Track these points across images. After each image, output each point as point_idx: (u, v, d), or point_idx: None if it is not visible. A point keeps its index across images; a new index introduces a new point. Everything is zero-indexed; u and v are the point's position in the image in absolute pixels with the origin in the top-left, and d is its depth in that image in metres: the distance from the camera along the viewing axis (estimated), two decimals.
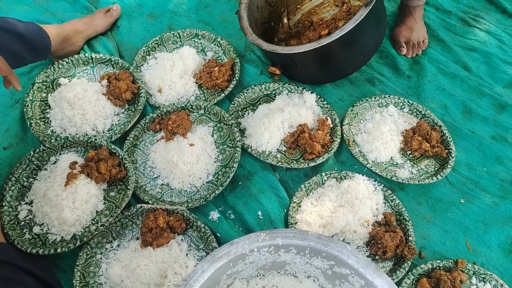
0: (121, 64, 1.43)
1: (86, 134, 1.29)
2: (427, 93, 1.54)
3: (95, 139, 1.24)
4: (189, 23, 1.67)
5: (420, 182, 1.27)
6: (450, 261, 1.14)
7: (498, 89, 1.59)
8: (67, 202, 1.11)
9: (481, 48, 1.70)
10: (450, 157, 1.33)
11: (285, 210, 1.21)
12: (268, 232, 0.93)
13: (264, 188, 1.24)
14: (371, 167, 1.29)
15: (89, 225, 1.11)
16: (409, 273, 1.11)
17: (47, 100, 1.35)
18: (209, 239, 1.11)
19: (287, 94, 1.45)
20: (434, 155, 1.36)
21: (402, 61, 1.65)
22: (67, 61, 1.41)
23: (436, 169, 1.33)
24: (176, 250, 1.09)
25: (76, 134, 1.28)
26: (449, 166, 1.31)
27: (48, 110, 1.34)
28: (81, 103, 1.29)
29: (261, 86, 1.46)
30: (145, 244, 1.09)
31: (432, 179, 1.28)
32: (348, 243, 1.17)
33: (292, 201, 1.21)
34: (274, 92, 1.46)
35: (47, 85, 1.38)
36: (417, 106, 1.46)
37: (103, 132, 1.31)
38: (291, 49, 1.30)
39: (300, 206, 1.22)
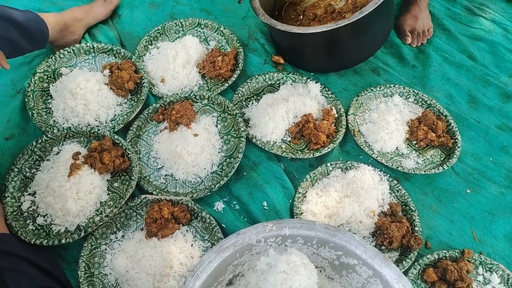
0: (123, 54, 1.41)
1: (89, 125, 1.27)
2: (433, 83, 1.53)
3: (98, 130, 1.23)
4: (191, 12, 1.65)
5: (426, 172, 1.26)
6: (456, 251, 1.13)
7: (503, 78, 1.58)
8: (70, 193, 1.10)
9: (486, 37, 1.69)
10: (456, 147, 1.32)
11: (291, 201, 1.20)
12: (275, 222, 0.92)
13: (269, 178, 1.23)
14: (376, 157, 1.27)
15: (93, 216, 1.10)
16: (416, 263, 1.11)
17: (48, 90, 1.34)
18: (214, 229, 1.10)
19: (291, 84, 1.43)
20: (440, 145, 1.35)
21: (407, 50, 1.63)
22: (68, 50, 1.39)
23: (442, 159, 1.32)
24: (181, 240, 1.08)
25: (79, 124, 1.27)
26: (455, 156, 1.30)
27: (50, 100, 1.32)
28: (83, 93, 1.27)
29: (265, 76, 1.44)
30: (150, 235, 1.08)
31: (438, 169, 1.27)
32: (354, 233, 1.16)
33: (297, 192, 1.20)
34: (278, 82, 1.44)
35: (49, 75, 1.36)
36: (422, 95, 1.44)
37: (106, 123, 1.29)
38: (307, 29, 1.29)
39: (305, 197, 1.21)
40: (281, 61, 1.51)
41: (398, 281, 0.87)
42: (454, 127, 1.37)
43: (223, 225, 1.14)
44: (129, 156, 1.19)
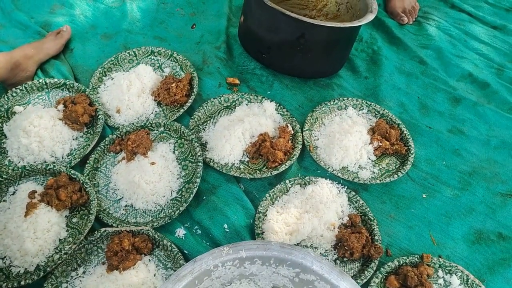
0: (76, 87, 1.42)
1: (45, 161, 1.26)
2: (384, 93, 1.58)
3: (54, 166, 1.22)
4: (144, 41, 1.66)
5: (381, 181, 1.29)
6: (416, 256, 1.16)
7: (452, 83, 1.64)
8: (28, 233, 1.09)
9: (432, 44, 1.76)
10: (410, 154, 1.36)
11: (252, 221, 1.21)
12: (231, 245, 0.93)
13: (229, 200, 1.24)
14: (332, 171, 1.30)
15: (53, 254, 1.09)
16: (377, 272, 1.13)
17: (2, 130, 1.32)
18: (176, 257, 1.10)
19: (246, 105, 1.46)
20: (394, 153, 1.39)
21: (360, 62, 1.68)
22: (20, 88, 1.39)
23: (397, 166, 1.36)
24: (144, 271, 1.08)
25: (34, 162, 1.26)
26: (409, 162, 1.34)
27: (4, 140, 1.31)
28: (36, 130, 1.26)
29: (220, 98, 1.46)
30: (111, 268, 1.08)
31: (393, 177, 1.30)
32: (316, 248, 1.18)
33: (257, 211, 1.22)
34: (234, 103, 1.47)
35: (2, 114, 1.35)
36: (375, 106, 1.48)
37: (63, 158, 1.29)
38: (316, 22, 1.35)
39: (266, 216, 1.22)
40: (236, 81, 1.54)
41: None
42: (407, 134, 1.41)
43: (185, 251, 1.14)
44: (86, 190, 1.18)
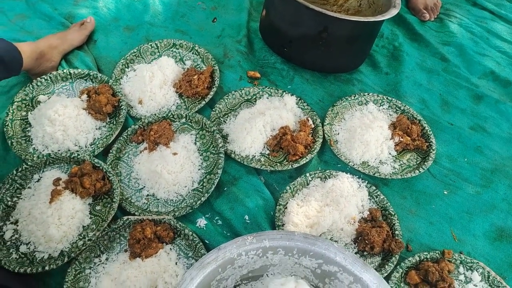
0: (100, 78, 1.43)
1: (69, 150, 1.28)
2: (405, 89, 1.57)
3: (78, 154, 1.23)
4: (166, 33, 1.67)
5: (402, 177, 1.29)
6: (437, 252, 1.15)
7: (474, 80, 1.63)
8: (52, 219, 1.10)
9: (454, 41, 1.75)
10: (431, 150, 1.35)
11: (272, 213, 1.22)
12: (255, 235, 0.94)
13: (249, 192, 1.24)
14: (353, 166, 1.30)
15: (76, 240, 1.11)
16: (398, 266, 1.12)
17: (27, 119, 1.34)
18: (197, 246, 1.11)
19: (267, 98, 1.46)
20: (415, 149, 1.38)
21: (380, 57, 1.68)
22: (45, 78, 1.41)
23: (418, 162, 1.35)
24: (165, 259, 1.09)
25: (59, 150, 1.28)
26: (430, 158, 1.33)
27: (29, 128, 1.33)
28: (61, 119, 1.28)
29: (241, 91, 1.47)
30: (134, 255, 1.09)
31: (414, 172, 1.30)
32: (336, 241, 1.18)
33: (278, 203, 1.22)
34: (254, 97, 1.47)
35: (27, 103, 1.37)
36: (396, 102, 1.48)
37: (86, 147, 1.30)
38: (339, 15, 1.34)
39: (286, 208, 1.22)
40: (257, 75, 1.54)
41: (378, 285, 0.89)
42: (428, 130, 1.40)
43: (206, 241, 1.15)
44: (109, 178, 1.20)
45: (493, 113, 1.53)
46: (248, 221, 1.19)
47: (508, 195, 1.31)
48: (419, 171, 1.30)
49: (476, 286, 1.11)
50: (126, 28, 1.67)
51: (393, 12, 1.40)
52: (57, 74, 1.42)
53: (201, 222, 1.18)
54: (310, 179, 1.29)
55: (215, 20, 1.76)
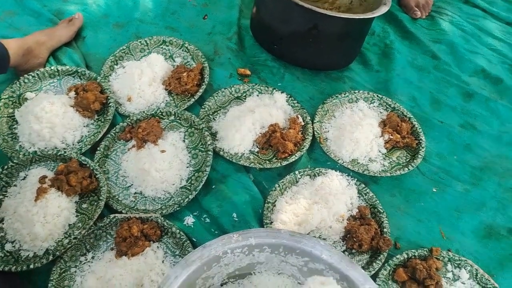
0: (88, 75, 1.42)
1: (56, 148, 1.27)
2: (396, 87, 1.57)
3: (64, 152, 1.22)
4: (156, 30, 1.66)
5: (392, 174, 1.28)
6: (425, 249, 1.15)
7: (464, 78, 1.63)
8: (38, 217, 1.09)
9: (445, 39, 1.74)
10: (421, 147, 1.35)
11: (260, 211, 1.21)
12: (241, 232, 0.93)
13: (238, 190, 1.24)
14: (342, 163, 1.30)
15: (62, 238, 1.10)
16: (386, 264, 1.12)
17: (14, 116, 1.33)
18: (184, 244, 1.10)
19: (257, 95, 1.45)
20: (405, 146, 1.38)
21: (371, 55, 1.67)
22: (32, 75, 1.39)
23: (407, 160, 1.35)
24: (152, 257, 1.08)
25: (45, 148, 1.27)
26: (419, 156, 1.33)
27: (15, 126, 1.32)
28: (48, 116, 1.27)
29: (231, 88, 1.46)
30: (120, 254, 1.08)
31: (403, 170, 1.30)
32: (324, 239, 1.18)
33: (266, 201, 1.21)
34: (244, 94, 1.46)
35: (14, 101, 1.36)
36: (386, 99, 1.48)
37: (73, 144, 1.29)
38: (329, 12, 1.35)
39: (275, 206, 1.22)
40: (247, 72, 1.54)
41: (364, 283, 0.88)
42: (418, 128, 1.40)
43: (193, 239, 1.15)
44: (96, 176, 1.19)
45: (483, 111, 1.53)
46: (236, 219, 1.19)
47: (497, 192, 1.31)
48: (409, 169, 1.30)
49: (464, 283, 1.11)
50: (116, 25, 1.66)
51: (383, 9, 1.39)
52: (45, 71, 1.41)
53: (189, 220, 1.18)
54: (299, 176, 1.28)
55: (206, 17, 1.75)
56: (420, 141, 1.37)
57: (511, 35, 1.84)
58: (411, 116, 1.43)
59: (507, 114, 1.52)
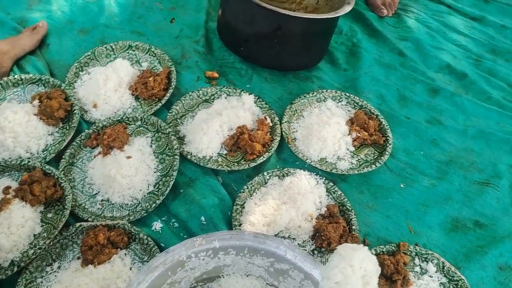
0: (52, 83, 1.40)
1: (20, 157, 1.25)
2: (363, 85, 1.58)
3: (28, 161, 1.21)
4: (122, 35, 1.65)
5: (359, 172, 1.29)
6: (393, 245, 1.16)
7: (430, 74, 1.66)
8: (2, 228, 1.07)
9: (411, 36, 1.77)
10: (388, 144, 1.37)
11: (229, 213, 1.21)
12: (204, 236, 0.93)
13: (206, 193, 1.23)
14: (310, 163, 1.30)
15: (27, 249, 1.08)
16: None
17: None
18: (152, 250, 1.10)
19: (225, 98, 1.45)
20: (373, 143, 1.39)
21: (339, 54, 1.69)
22: None
23: (375, 157, 1.36)
24: (119, 265, 1.07)
25: (10, 158, 1.25)
26: (387, 153, 1.34)
27: None
28: (11, 126, 1.25)
29: (198, 92, 1.46)
30: (86, 262, 1.07)
31: (371, 167, 1.31)
32: (294, 238, 1.18)
33: (235, 203, 1.21)
34: (212, 97, 1.46)
35: None
36: (354, 98, 1.49)
37: (38, 153, 1.27)
38: (291, 13, 1.34)
39: (244, 208, 1.22)
40: (215, 75, 1.54)
41: None
42: (385, 125, 1.42)
43: (162, 244, 1.14)
44: (61, 185, 1.17)
45: (448, 106, 1.55)
46: (205, 222, 1.18)
47: (463, 186, 1.33)
48: (376, 166, 1.31)
49: (432, 277, 1.13)
50: (81, 31, 1.64)
51: (347, 8, 1.41)
52: (8, 80, 1.39)
53: (157, 225, 1.17)
54: (268, 177, 1.28)
55: (173, 20, 1.75)
56: (388, 137, 1.39)
57: (475, 30, 1.88)
58: (379, 114, 1.45)
59: (472, 108, 1.55)
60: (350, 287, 0.76)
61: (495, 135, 1.46)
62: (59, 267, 1.09)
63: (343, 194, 1.26)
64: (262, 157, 1.29)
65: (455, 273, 1.12)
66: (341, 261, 0.78)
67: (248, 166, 1.27)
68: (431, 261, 1.15)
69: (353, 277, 0.77)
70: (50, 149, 1.28)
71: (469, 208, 1.28)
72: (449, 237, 1.22)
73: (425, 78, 1.63)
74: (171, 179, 1.21)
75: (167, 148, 1.29)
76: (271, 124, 1.38)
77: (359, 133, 1.37)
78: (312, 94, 1.49)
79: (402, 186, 1.32)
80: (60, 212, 1.15)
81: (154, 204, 1.17)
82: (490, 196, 1.31)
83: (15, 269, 1.04)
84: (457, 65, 1.69)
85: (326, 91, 1.50)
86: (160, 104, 1.40)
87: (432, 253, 1.15)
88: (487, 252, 1.19)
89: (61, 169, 1.24)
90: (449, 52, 1.74)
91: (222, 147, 1.34)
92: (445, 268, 1.13)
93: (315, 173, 1.29)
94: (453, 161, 1.39)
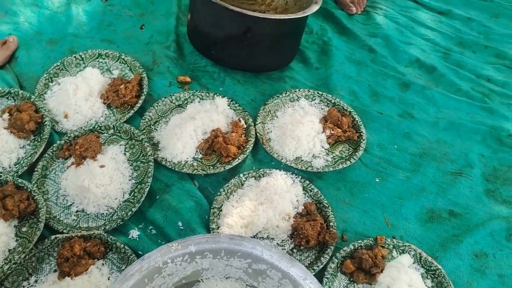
0: (21, 95, 1.38)
1: None
2: (335, 82, 1.60)
3: (0, 176, 1.19)
4: (92, 44, 1.63)
5: (335, 169, 1.30)
6: (370, 239, 1.17)
7: (400, 69, 1.68)
8: None
9: (381, 33, 1.79)
10: (362, 140, 1.38)
11: (207, 217, 1.21)
12: (180, 241, 0.92)
13: (182, 198, 1.23)
14: (285, 162, 1.31)
15: (2, 264, 1.06)
16: (333, 257, 1.14)
17: None
18: (130, 258, 1.09)
19: (199, 102, 1.45)
20: (347, 140, 1.40)
21: (311, 53, 1.70)
22: None
23: (350, 153, 1.38)
24: (97, 275, 1.06)
25: None
26: (361, 148, 1.36)
27: None
28: None
29: (171, 97, 1.45)
30: (63, 275, 1.05)
31: (346, 163, 1.32)
32: (272, 238, 1.18)
33: (212, 207, 1.21)
34: (186, 102, 1.46)
35: None
36: (326, 96, 1.50)
37: (10, 167, 1.25)
38: (264, 15, 1.38)
39: (221, 210, 1.22)
40: (187, 80, 1.53)
41: (305, 279, 0.90)
42: (359, 121, 1.43)
43: (139, 252, 1.13)
44: (34, 198, 1.16)
45: (419, 99, 1.58)
46: (182, 227, 1.18)
47: (437, 177, 1.35)
48: (351, 162, 1.32)
49: (409, 268, 1.14)
50: (49, 42, 1.62)
51: (314, 8, 1.42)
52: None
53: (134, 233, 1.16)
54: (244, 179, 1.28)
55: (143, 27, 1.74)
56: (361, 133, 1.40)
57: (443, 24, 1.91)
58: (351, 110, 1.46)
59: (442, 100, 1.58)
60: None
61: (465, 125, 1.49)
62: (36, 281, 1.07)
63: (319, 192, 1.26)
64: (237, 159, 1.30)
65: (432, 263, 1.14)
66: None
67: (224, 168, 1.27)
68: (408, 253, 1.16)
69: None
70: (22, 162, 1.27)
71: (444, 198, 1.30)
72: (425, 228, 1.24)
73: (395, 73, 1.65)
74: (146, 186, 1.20)
75: (141, 155, 1.28)
76: (245, 126, 1.39)
77: (333, 130, 1.38)
78: (285, 94, 1.50)
79: (377, 180, 1.33)
80: (35, 225, 1.14)
81: (130, 212, 1.16)
82: (463, 185, 1.33)
83: None
84: (426, 59, 1.72)
85: (299, 90, 1.51)
86: (132, 112, 1.39)
87: (409, 245, 1.16)
88: (462, 241, 1.21)
89: (34, 182, 1.22)
90: (418, 47, 1.77)
91: (197, 151, 1.33)
92: (422, 258, 1.15)
93: (291, 172, 1.30)
94: (426, 153, 1.41)
